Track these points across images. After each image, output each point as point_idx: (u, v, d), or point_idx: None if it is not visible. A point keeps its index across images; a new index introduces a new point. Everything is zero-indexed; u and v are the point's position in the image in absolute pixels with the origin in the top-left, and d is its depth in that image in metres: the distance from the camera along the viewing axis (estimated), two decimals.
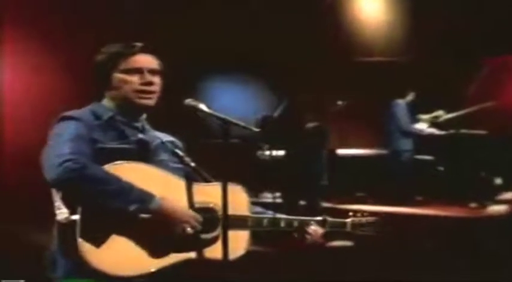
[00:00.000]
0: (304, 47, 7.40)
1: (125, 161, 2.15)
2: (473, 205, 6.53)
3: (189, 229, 2.16)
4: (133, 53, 2.28)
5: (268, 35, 7.32)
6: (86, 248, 2.02)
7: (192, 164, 2.36)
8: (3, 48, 5.60)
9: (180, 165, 2.36)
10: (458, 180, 6.72)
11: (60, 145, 2.11)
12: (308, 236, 2.51)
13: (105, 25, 5.54)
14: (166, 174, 2.24)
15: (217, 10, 7.02)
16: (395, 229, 5.58)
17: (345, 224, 2.63)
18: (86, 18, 5.71)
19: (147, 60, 2.30)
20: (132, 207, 2.06)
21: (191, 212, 2.20)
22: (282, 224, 2.46)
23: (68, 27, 5.65)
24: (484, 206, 6.44)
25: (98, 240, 2.04)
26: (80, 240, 2.02)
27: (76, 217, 2.03)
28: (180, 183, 2.26)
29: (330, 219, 2.58)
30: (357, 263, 4.53)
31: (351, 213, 2.67)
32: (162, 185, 2.19)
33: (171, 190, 2.21)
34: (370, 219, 2.68)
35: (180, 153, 2.39)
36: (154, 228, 2.11)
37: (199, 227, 2.18)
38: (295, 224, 2.50)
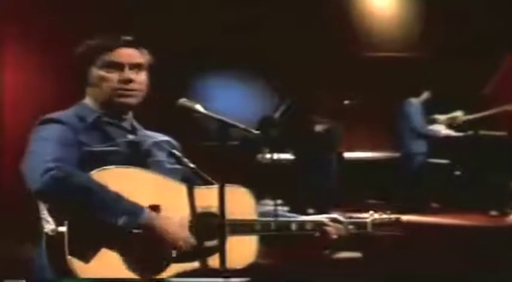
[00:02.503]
0: (308, 42, 7.43)
1: (114, 166, 2.15)
2: (493, 213, 6.54)
3: (174, 252, 2.16)
4: (116, 46, 2.26)
5: (269, 30, 7.36)
6: (75, 261, 2.03)
7: (191, 165, 2.38)
8: (3, 48, 5.71)
9: (177, 166, 2.37)
10: (477, 186, 6.72)
11: (43, 151, 2.10)
12: (328, 236, 2.48)
13: (106, 25, 5.65)
14: (162, 178, 2.24)
15: (216, 5, 7.07)
16: (409, 238, 5.65)
17: (365, 224, 2.58)
18: (86, 18, 5.82)
19: (129, 54, 2.27)
20: (121, 221, 2.05)
21: (182, 232, 2.18)
22: (293, 227, 2.43)
23: (69, 27, 5.77)
24: (506, 214, 6.45)
25: (86, 254, 2.05)
26: (68, 253, 2.02)
27: (63, 229, 2.04)
28: (178, 187, 2.26)
29: (345, 219, 2.53)
30: (365, 276, 4.56)
31: (371, 212, 2.61)
32: (157, 189, 2.20)
33: (168, 195, 2.21)
34: (393, 217, 2.62)
35: (178, 153, 2.41)
36: (146, 242, 2.11)
37: (186, 249, 2.18)
38: (308, 226, 2.47)
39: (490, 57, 7.53)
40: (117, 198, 2.08)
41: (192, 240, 2.19)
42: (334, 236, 2.49)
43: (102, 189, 2.07)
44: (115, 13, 5.97)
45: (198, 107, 2.24)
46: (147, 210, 2.11)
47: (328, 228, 2.48)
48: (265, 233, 2.36)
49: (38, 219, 2.17)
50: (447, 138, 7.09)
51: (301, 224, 2.46)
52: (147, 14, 6.38)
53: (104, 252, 2.07)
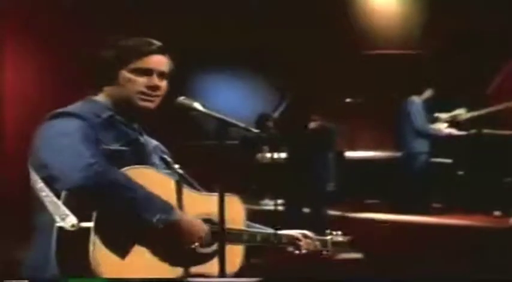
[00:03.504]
0: (309, 40, 7.45)
1: (139, 166, 2.22)
2: (497, 213, 6.56)
3: (198, 244, 2.25)
4: (150, 53, 2.34)
5: (268, 26, 7.39)
6: (100, 256, 2.06)
7: (180, 171, 2.44)
8: (4, 48, 5.77)
9: (168, 171, 2.43)
10: (481, 186, 6.74)
11: (75, 146, 2.13)
12: (300, 250, 2.74)
13: (106, 24, 5.72)
14: (174, 182, 2.32)
15: (215, 4, 7.12)
16: (411, 239, 5.68)
17: (326, 242, 2.86)
18: (86, 17, 5.88)
19: (160, 62, 2.36)
20: (156, 218, 2.12)
21: (203, 225, 2.28)
22: (272, 239, 2.63)
23: (69, 26, 5.85)
24: (510, 215, 6.47)
25: (120, 249, 2.10)
26: (92, 248, 2.06)
27: (88, 225, 2.07)
28: (185, 192, 2.34)
29: (313, 236, 2.80)
30: (366, 276, 4.60)
31: (328, 231, 2.90)
32: (172, 193, 2.28)
33: (179, 198, 2.30)
34: (345, 239, 2.92)
35: (168, 159, 2.48)
36: (167, 240, 2.18)
37: (207, 242, 2.29)
38: (284, 240, 2.70)
39: (492, 55, 7.54)
40: (152, 195, 2.15)
41: (209, 233, 2.29)
42: (304, 251, 2.75)
43: (139, 186, 2.14)
44: (115, 13, 6.02)
45: (197, 105, 2.28)
46: (177, 209, 2.21)
47: (300, 243, 2.73)
48: (251, 244, 2.51)
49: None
50: (450, 137, 7.11)
51: (279, 237, 2.68)
52: (146, 13, 6.43)
53: (134, 248, 2.14)
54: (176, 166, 2.45)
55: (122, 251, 2.11)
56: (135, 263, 2.14)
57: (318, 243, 2.81)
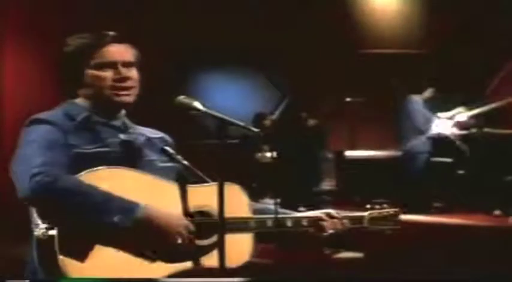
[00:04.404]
0: (308, 39, 7.46)
1: (104, 167, 2.16)
2: (497, 213, 6.55)
3: (179, 239, 2.18)
4: (105, 44, 2.27)
5: (268, 26, 7.40)
6: (68, 264, 2.05)
7: (184, 162, 2.38)
8: (4, 48, 5.77)
9: (170, 164, 2.38)
10: (481, 185, 6.74)
11: (31, 155, 2.11)
12: (325, 231, 2.51)
13: (106, 24, 5.74)
14: (152, 178, 2.26)
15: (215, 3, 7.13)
16: (411, 238, 5.68)
17: (361, 218, 2.61)
18: (86, 17, 5.89)
19: (120, 52, 2.29)
20: (116, 219, 2.07)
21: (182, 220, 2.21)
22: (289, 224, 2.45)
23: (69, 26, 5.87)
24: (510, 214, 6.46)
25: (80, 256, 2.07)
26: (60, 256, 2.04)
27: (54, 232, 2.06)
28: (170, 186, 2.28)
29: (337, 214, 2.55)
30: (366, 276, 4.59)
31: (368, 206, 2.65)
32: (148, 190, 2.21)
33: (159, 195, 2.23)
34: (391, 211, 2.66)
35: (170, 150, 2.41)
36: (141, 239, 2.13)
37: (190, 237, 2.20)
38: (304, 222, 2.49)
39: (492, 55, 7.55)
40: (108, 197, 2.10)
41: (192, 227, 2.21)
42: (330, 231, 2.51)
43: (92, 190, 2.09)
44: (115, 13, 6.03)
45: (197, 104, 2.24)
46: (143, 205, 2.13)
47: (324, 223, 2.50)
48: (261, 230, 2.38)
49: (29, 222, 2.20)
50: (450, 136, 7.11)
51: (297, 220, 2.49)
52: (147, 13, 6.44)
53: (100, 251, 2.10)
54: (179, 157, 2.39)
55: (83, 256, 2.07)
56: (108, 268, 2.10)
57: (346, 221, 2.55)
